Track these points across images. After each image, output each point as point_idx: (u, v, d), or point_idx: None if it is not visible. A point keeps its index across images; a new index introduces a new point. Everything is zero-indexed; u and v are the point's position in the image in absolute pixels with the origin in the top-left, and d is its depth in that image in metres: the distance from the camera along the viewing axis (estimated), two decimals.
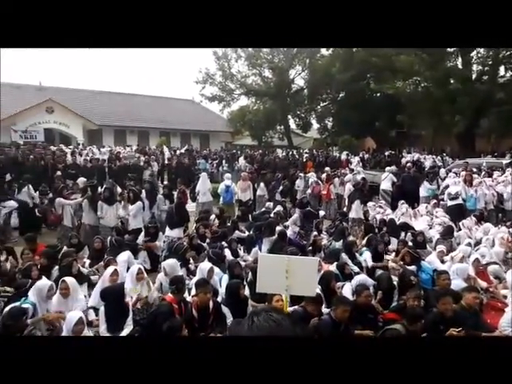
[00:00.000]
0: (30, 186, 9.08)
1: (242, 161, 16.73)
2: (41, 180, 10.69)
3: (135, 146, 22.82)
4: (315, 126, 30.81)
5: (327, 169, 13.45)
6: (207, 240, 7.27)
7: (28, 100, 23.91)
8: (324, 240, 7.48)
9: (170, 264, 5.27)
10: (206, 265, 5.25)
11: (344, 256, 6.30)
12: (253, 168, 14.00)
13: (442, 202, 10.29)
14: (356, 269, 6.01)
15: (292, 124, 31.10)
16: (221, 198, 10.10)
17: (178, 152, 20.92)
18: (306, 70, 28.91)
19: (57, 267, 5.59)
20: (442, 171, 13.28)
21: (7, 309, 4.32)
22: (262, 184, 11.46)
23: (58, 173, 11.12)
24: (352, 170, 14.25)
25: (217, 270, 5.48)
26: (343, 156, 18.31)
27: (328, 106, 28.98)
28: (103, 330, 4.33)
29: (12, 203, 8.45)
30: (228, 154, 19.29)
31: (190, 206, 10.63)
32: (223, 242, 7.01)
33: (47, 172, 11.93)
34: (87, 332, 3.93)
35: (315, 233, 7.42)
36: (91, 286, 5.51)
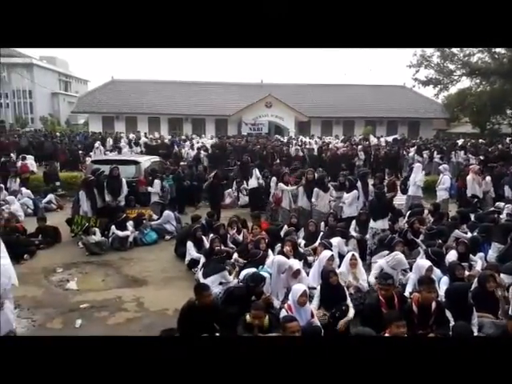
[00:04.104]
0: (257, 170, 10.56)
1: (460, 151, 14.79)
2: (263, 166, 12.33)
3: (341, 136, 23.35)
4: None
5: None
6: (421, 236, 6.84)
7: (250, 96, 27.57)
8: None
9: (398, 258, 5.20)
10: (424, 262, 4.94)
11: None
12: (478, 160, 12.20)
13: None
14: None
15: None
16: (441, 193, 9.25)
17: (383, 140, 20.26)
18: None
19: (279, 244, 6.35)
20: None
21: (246, 272, 5.22)
22: (488, 178, 9.91)
23: (277, 160, 12.50)
24: None
25: (436, 270, 5.10)
26: None
27: None
28: (315, 306, 4.68)
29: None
30: (444, 144, 17.36)
31: (400, 199, 10.19)
32: (439, 241, 6.48)
33: (268, 159, 13.64)
34: (308, 305, 4.33)
35: None
36: (307, 264, 6.04)
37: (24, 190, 10.73)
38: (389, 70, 65.86)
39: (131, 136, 20.17)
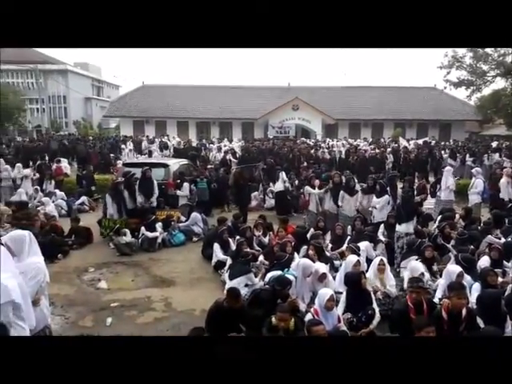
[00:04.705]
0: (284, 173, 10.55)
1: (495, 154, 14.25)
2: (290, 169, 12.32)
3: (370, 138, 23.01)
4: None
5: None
6: (452, 241, 6.65)
7: (277, 99, 27.58)
8: None
9: (411, 265, 5.11)
10: (454, 268, 4.81)
11: None
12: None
13: None
14: None
15: None
16: (474, 197, 8.95)
17: (412, 142, 19.82)
18: None
19: (305, 247, 6.33)
20: None
21: (271, 275, 5.24)
22: None
23: (305, 164, 12.45)
24: None
25: (467, 277, 4.94)
26: None
27: None
28: (341, 311, 4.62)
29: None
30: (477, 147, 16.79)
31: (429, 203, 9.95)
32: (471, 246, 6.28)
33: (294, 162, 13.61)
34: (335, 310, 4.29)
35: None
36: (334, 268, 5.98)
37: (58, 191, 11.19)
38: (419, 72, 64.11)
39: (157, 140, 20.77)
